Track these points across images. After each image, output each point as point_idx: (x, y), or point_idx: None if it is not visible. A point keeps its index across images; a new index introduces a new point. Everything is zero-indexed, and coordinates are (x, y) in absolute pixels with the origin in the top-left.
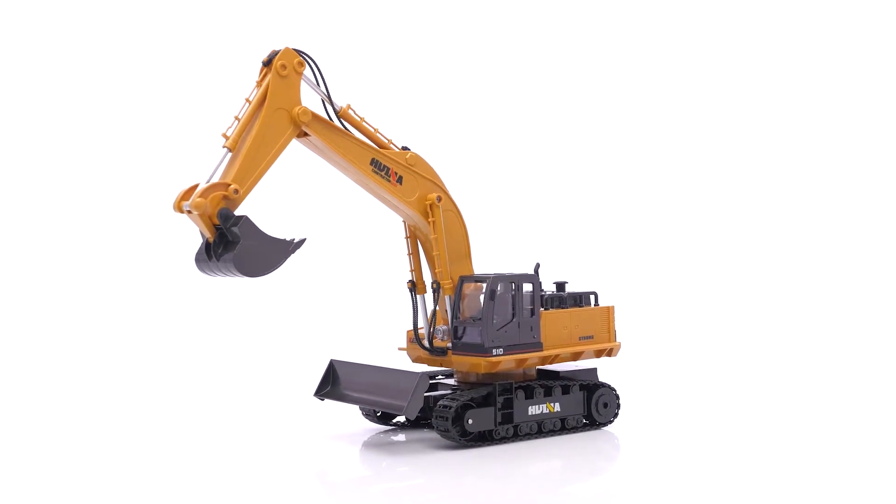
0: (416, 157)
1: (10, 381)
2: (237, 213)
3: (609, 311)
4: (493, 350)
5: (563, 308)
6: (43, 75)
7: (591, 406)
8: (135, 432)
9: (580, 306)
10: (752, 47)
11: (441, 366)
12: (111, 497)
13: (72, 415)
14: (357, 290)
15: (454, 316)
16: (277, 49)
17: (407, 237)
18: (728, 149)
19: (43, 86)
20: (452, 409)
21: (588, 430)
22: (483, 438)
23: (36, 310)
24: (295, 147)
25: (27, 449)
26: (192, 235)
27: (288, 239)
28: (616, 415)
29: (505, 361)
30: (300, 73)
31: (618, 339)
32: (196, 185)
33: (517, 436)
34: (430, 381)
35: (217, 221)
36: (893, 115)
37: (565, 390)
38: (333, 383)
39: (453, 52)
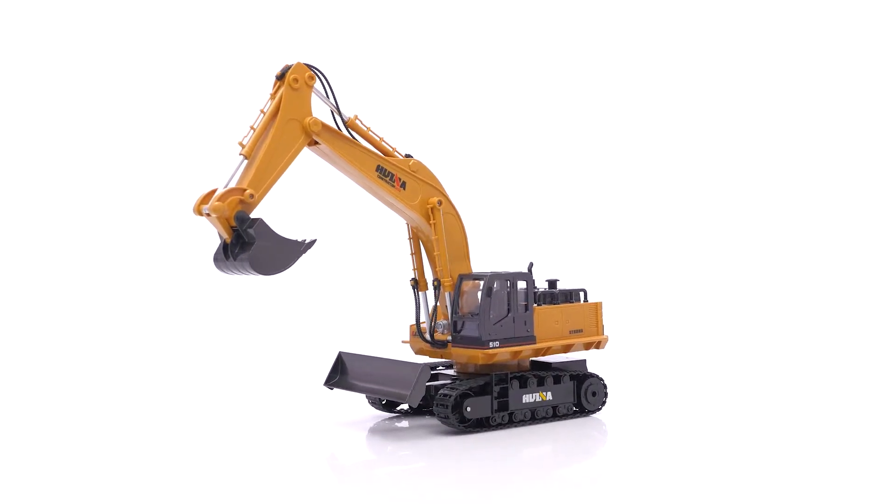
0: (419, 164)
1: (40, 380)
2: (252, 216)
3: (597, 306)
4: (490, 343)
5: (554, 304)
6: (67, 87)
7: (581, 395)
8: (157, 418)
9: (570, 302)
10: (738, 45)
11: (441, 357)
12: (129, 481)
13: (86, 408)
14: (363, 287)
15: (454, 311)
16: (290, 64)
17: (410, 238)
18: (709, 150)
19: (68, 97)
20: (452, 398)
21: (578, 417)
22: (480, 425)
23: (60, 309)
24: (306, 155)
25: (45, 447)
26: (209, 236)
27: (299, 240)
28: (604, 403)
29: (501, 353)
30: (311, 86)
31: (605, 333)
32: (214, 190)
33: (512, 422)
34: (432, 372)
35: (234, 224)
36: (890, 115)
37: (557, 380)
38: (342, 374)
39: (443, 62)
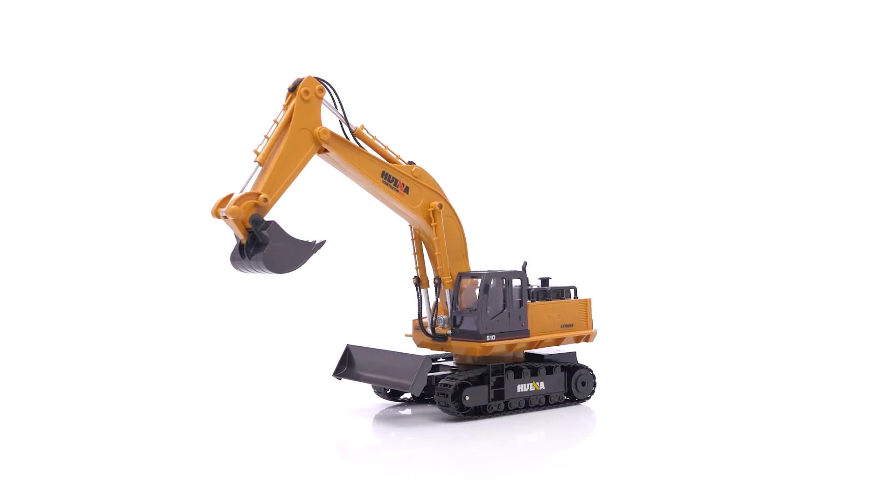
0: (421, 170)
1: (63, 380)
2: (266, 218)
3: (587, 302)
4: (487, 336)
5: (547, 300)
6: (88, 96)
7: (572, 384)
8: (173, 408)
9: (562, 299)
10: (732, 46)
11: (442, 350)
12: (139, 473)
13: (101, 402)
14: (369, 284)
15: (453, 307)
16: (301, 77)
17: (412, 239)
18: (693, 149)
19: (89, 106)
20: (452, 388)
21: (569, 405)
22: (478, 412)
23: (82, 309)
24: (316, 162)
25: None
26: (225, 237)
27: (310, 241)
28: (593, 392)
29: (497, 346)
30: (321, 98)
31: (594, 327)
32: (231, 195)
33: (507, 410)
34: (433, 363)
35: (249, 226)
36: (890, 115)
37: (549, 371)
38: (349, 365)
39: (434, 70)
